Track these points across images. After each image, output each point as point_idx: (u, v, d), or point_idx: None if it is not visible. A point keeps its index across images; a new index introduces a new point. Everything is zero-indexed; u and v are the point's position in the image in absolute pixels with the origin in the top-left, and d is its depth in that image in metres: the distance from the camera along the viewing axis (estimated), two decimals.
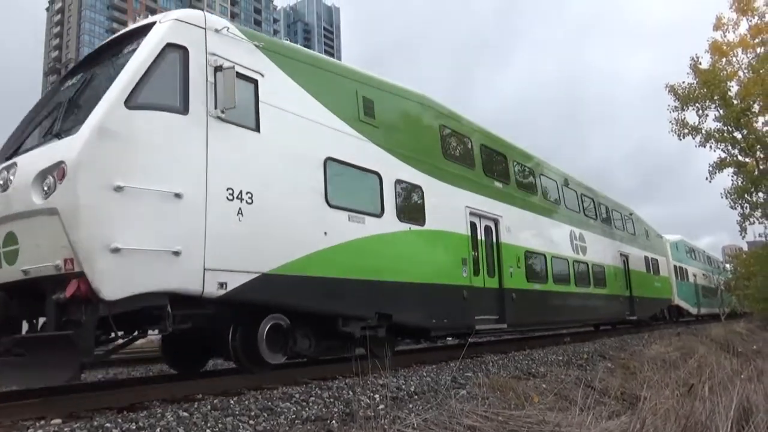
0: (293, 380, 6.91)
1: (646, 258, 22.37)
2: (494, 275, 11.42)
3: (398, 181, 9.11)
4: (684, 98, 23.15)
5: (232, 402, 5.29)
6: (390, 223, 8.70)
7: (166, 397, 5.87)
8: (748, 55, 22.60)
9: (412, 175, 9.45)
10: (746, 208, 23.10)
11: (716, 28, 23.16)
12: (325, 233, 7.50)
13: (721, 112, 22.69)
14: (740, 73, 22.66)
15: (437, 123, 10.76)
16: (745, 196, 22.96)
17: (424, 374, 7.43)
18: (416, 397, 6.19)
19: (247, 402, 5.33)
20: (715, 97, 22.51)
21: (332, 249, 7.56)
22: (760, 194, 22.71)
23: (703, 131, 23.21)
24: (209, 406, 5.10)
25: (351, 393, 5.93)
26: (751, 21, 22.42)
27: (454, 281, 10.00)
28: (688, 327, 21.50)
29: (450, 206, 10.31)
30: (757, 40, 22.03)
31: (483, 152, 12.00)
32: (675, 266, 27.40)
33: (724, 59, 22.93)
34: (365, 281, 8.06)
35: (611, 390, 7.23)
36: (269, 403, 5.34)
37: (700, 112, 23.17)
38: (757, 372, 7.13)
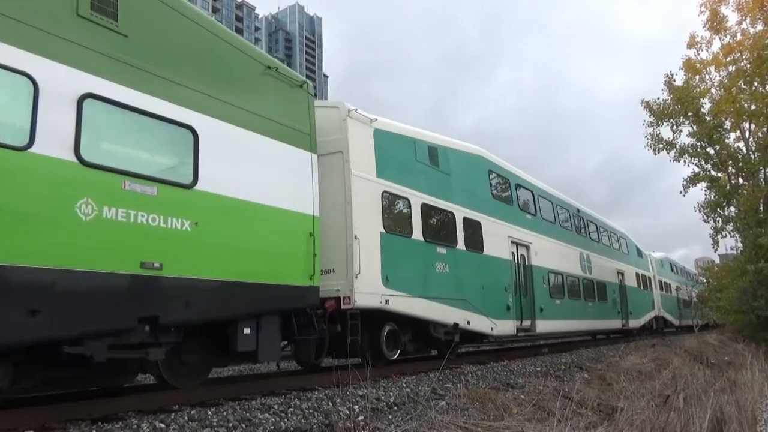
0: (272, 391, 6.85)
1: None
2: None
3: None
4: (659, 114, 23.70)
5: (209, 413, 5.23)
6: None
7: (142, 407, 5.76)
8: (720, 73, 23.21)
9: None
10: (718, 221, 23.62)
11: (690, 46, 23.78)
12: None
13: (694, 128, 23.23)
14: (713, 90, 23.25)
15: None
16: (718, 210, 23.50)
17: (404, 385, 7.42)
18: (396, 408, 6.19)
19: (225, 413, 5.27)
20: (689, 114, 23.06)
21: None
22: (732, 208, 23.24)
23: (677, 146, 23.77)
24: (186, 417, 5.03)
25: (331, 404, 5.90)
26: (723, 40, 23.08)
27: None
28: (663, 338, 21.79)
29: None
30: (728, 59, 22.62)
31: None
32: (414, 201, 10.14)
33: (697, 77, 23.51)
34: None
35: (588, 401, 7.32)
36: (248, 414, 5.29)
37: (675, 127, 23.76)
38: (729, 383, 7.30)
